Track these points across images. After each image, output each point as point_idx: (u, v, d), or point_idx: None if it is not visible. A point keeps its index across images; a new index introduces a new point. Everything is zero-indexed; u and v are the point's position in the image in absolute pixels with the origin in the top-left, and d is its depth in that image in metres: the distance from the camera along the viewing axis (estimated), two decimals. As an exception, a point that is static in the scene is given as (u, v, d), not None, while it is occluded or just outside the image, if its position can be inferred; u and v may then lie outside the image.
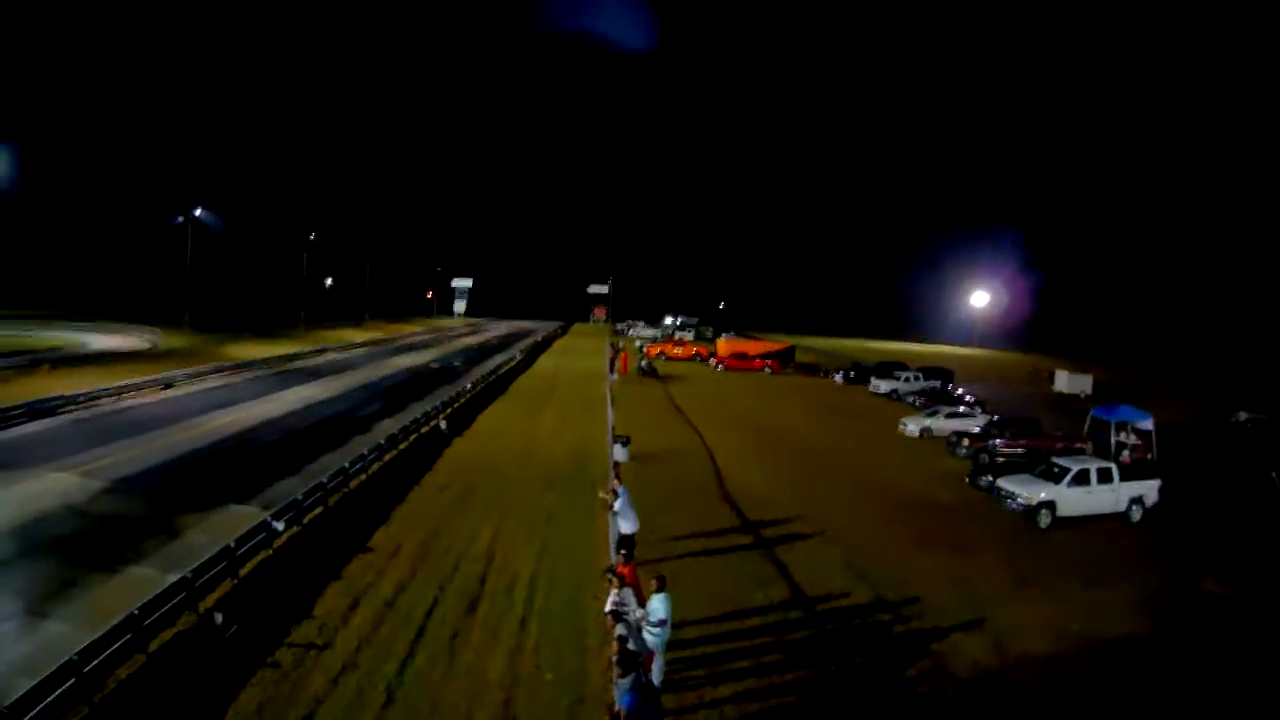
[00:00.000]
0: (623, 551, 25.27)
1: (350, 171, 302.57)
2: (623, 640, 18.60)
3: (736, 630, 25.26)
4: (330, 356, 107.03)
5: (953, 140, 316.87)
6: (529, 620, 25.23)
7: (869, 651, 24.57)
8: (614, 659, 18.17)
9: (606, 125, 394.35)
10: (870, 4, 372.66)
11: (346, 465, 39.98)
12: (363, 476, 41.64)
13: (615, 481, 31.17)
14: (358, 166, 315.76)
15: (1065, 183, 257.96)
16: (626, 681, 17.09)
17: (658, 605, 20.25)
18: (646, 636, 20.23)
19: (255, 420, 56.58)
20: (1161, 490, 42.29)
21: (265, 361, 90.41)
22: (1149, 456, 54.28)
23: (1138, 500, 41.47)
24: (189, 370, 75.98)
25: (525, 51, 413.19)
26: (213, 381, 74.32)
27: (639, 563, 26.10)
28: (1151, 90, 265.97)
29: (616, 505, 29.06)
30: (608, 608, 21.24)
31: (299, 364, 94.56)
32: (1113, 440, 55.07)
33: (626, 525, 28.50)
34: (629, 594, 21.43)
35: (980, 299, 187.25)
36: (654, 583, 20.86)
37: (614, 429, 52.47)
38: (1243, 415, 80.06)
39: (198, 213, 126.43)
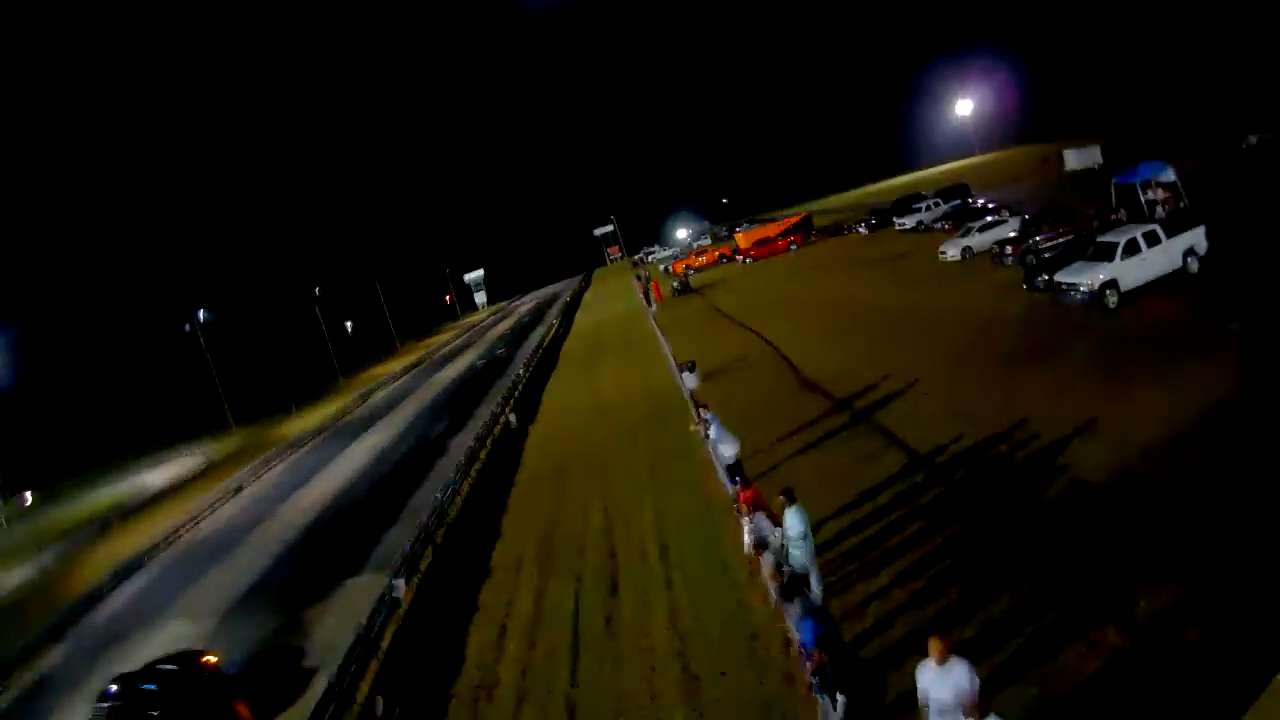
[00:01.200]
0: (737, 479, 24.97)
1: (336, 200, 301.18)
2: (777, 569, 18.36)
3: (870, 512, 25.01)
4: (379, 396, 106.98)
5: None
6: (672, 579, 25.15)
7: (1002, 487, 24.34)
8: (776, 589, 17.93)
9: (560, 59, 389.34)
10: None
11: (439, 496, 40.01)
12: (458, 500, 41.62)
13: (702, 410, 31.13)
14: (341, 192, 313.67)
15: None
16: (796, 608, 16.87)
17: (793, 520, 19.91)
18: (793, 553, 19.97)
19: (335, 487, 56.80)
20: (1208, 235, 41.53)
21: (320, 428, 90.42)
22: (1182, 205, 53.09)
23: (1190, 252, 40.94)
24: (251, 466, 75.66)
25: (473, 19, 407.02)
26: (278, 468, 74.29)
27: (754, 479, 25.90)
28: None
29: (711, 433, 28.98)
30: (745, 538, 21.01)
31: (353, 416, 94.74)
32: (1143, 200, 54.13)
33: (728, 450, 28.12)
34: (761, 518, 21.19)
35: (966, 106, 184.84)
36: (781, 499, 20.45)
37: (675, 359, 52.07)
38: (1253, 138, 79.01)
39: (201, 314, 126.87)
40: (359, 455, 65.50)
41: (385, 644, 27.52)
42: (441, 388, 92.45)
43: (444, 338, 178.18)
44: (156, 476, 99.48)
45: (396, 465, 57.57)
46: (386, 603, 29.08)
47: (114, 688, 27.38)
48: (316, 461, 69.39)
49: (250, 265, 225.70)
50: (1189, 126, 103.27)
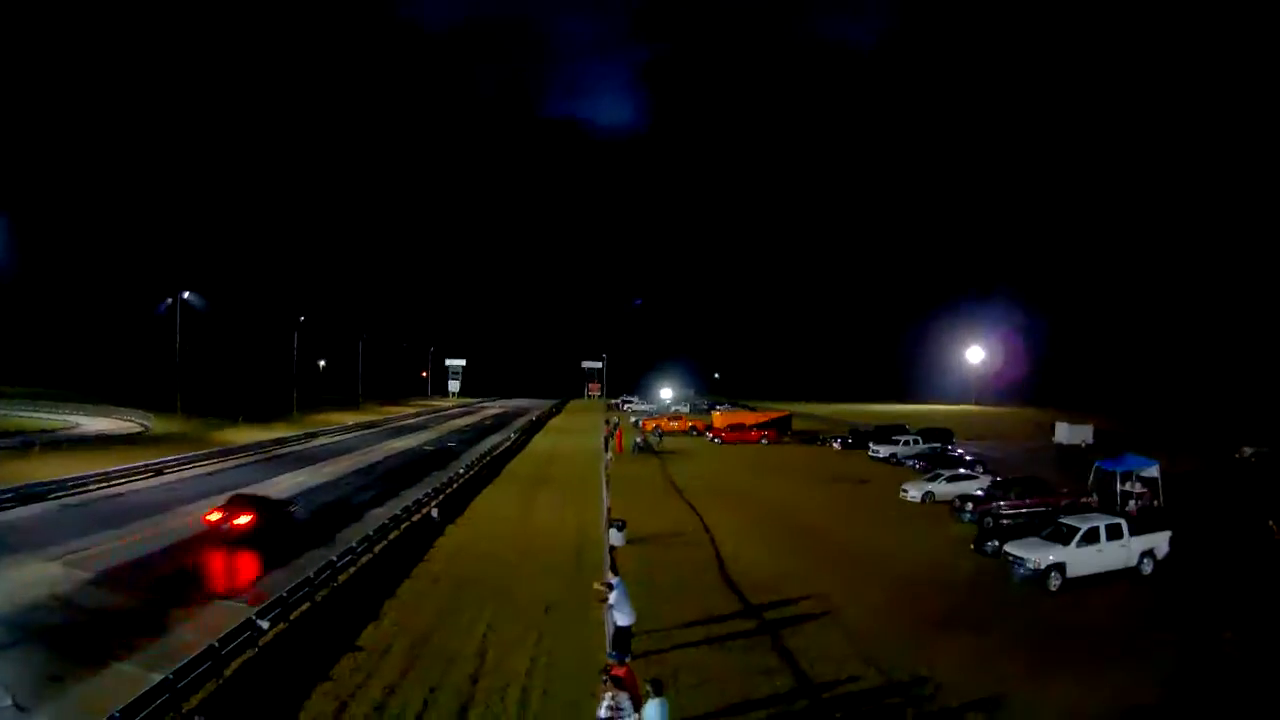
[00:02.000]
0: (614, 652, 24.30)
1: (342, 253, 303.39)
2: None
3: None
4: (322, 441, 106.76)
5: (943, 201, 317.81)
6: (523, 725, 23.99)
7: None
8: None
9: (600, 201, 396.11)
10: (857, 81, 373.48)
11: (334, 559, 38.93)
12: (351, 570, 40.49)
13: (609, 574, 30.33)
14: (350, 248, 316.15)
15: (1056, 235, 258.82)
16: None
17: (652, 713, 19.21)
18: None
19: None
20: (1172, 541, 41.75)
21: (258, 447, 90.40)
22: (1156, 504, 53.76)
23: (1149, 554, 40.99)
24: (180, 456, 75.71)
25: (518, 135, 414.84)
26: (204, 468, 74.12)
27: (638, 655, 25.44)
28: (1137, 144, 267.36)
29: (612, 598, 27.82)
30: (600, 712, 20.25)
31: (291, 449, 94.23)
32: (1119, 490, 54.69)
33: (622, 618, 27.30)
34: (624, 698, 20.30)
35: (976, 355, 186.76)
36: (648, 687, 19.80)
37: (609, 513, 50.96)
38: (1248, 450, 79.72)
39: (186, 295, 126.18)
40: (280, 488, 64.15)
41: (229, 671, 26.48)
42: (383, 456, 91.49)
43: (405, 411, 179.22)
44: (93, 424, 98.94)
45: (310, 513, 56.18)
46: (246, 634, 28.14)
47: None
48: (239, 479, 68.12)
49: (251, 273, 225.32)
50: (1190, 425, 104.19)
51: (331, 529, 50.44)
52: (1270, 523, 46.62)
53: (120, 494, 58.61)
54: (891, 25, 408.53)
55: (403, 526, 50.69)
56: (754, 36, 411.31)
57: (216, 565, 42.62)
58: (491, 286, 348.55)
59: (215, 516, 47.27)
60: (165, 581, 37.75)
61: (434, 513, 54.27)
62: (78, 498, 55.83)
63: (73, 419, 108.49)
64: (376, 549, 44.77)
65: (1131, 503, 53.72)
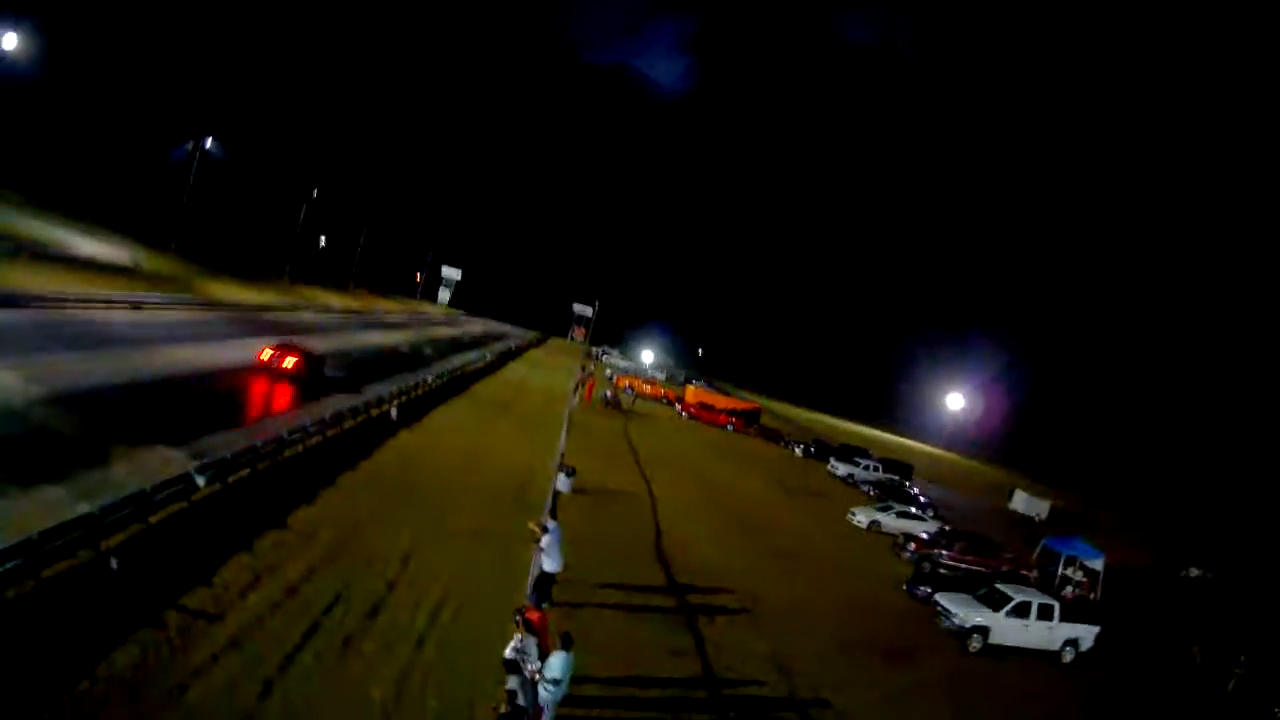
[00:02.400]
0: (534, 595, 24.38)
1: (366, 138, 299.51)
2: (512, 695, 17.79)
3: (636, 698, 24.36)
4: (304, 316, 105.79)
5: (951, 242, 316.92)
6: (426, 641, 24.01)
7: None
8: (498, 711, 17.40)
9: (623, 155, 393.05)
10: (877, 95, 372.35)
11: (284, 434, 38.75)
12: (299, 448, 40.21)
13: (547, 517, 30.40)
14: (374, 136, 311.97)
15: (1059, 296, 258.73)
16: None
17: (556, 664, 19.36)
18: (540, 691, 19.32)
19: (211, 365, 55.00)
20: (1099, 638, 41.56)
21: (242, 307, 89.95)
22: (1092, 596, 54.05)
23: (1073, 643, 40.88)
24: (164, 297, 75.15)
25: (559, 73, 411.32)
26: (182, 314, 73.46)
27: (556, 604, 25.62)
28: (1138, 201, 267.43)
29: (543, 541, 28.03)
30: (506, 653, 20.31)
31: (271, 316, 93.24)
32: (1059, 573, 54.94)
33: (550, 564, 27.64)
34: (531, 643, 20.28)
35: (956, 401, 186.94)
36: (558, 639, 20.03)
37: (562, 457, 51.33)
38: (1194, 571, 79.67)
39: (208, 143, 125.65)
40: (249, 353, 61.80)
41: (155, 519, 26.38)
42: (358, 346, 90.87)
43: (392, 307, 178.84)
44: (85, 246, 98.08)
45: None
46: (179, 486, 28.05)
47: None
48: (214, 333, 67.71)
49: (273, 135, 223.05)
50: (1147, 524, 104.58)
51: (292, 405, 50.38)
52: (1194, 647, 46.85)
53: (95, 320, 57.43)
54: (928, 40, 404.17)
55: (358, 419, 50.29)
56: (791, 27, 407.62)
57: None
58: (501, 208, 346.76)
59: (267, 355, 57.57)
60: (115, 415, 37.41)
61: (393, 412, 54.20)
62: (53, 315, 54.46)
63: (67, 236, 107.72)
64: (329, 433, 44.51)
65: (1069, 588, 54.06)
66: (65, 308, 57.46)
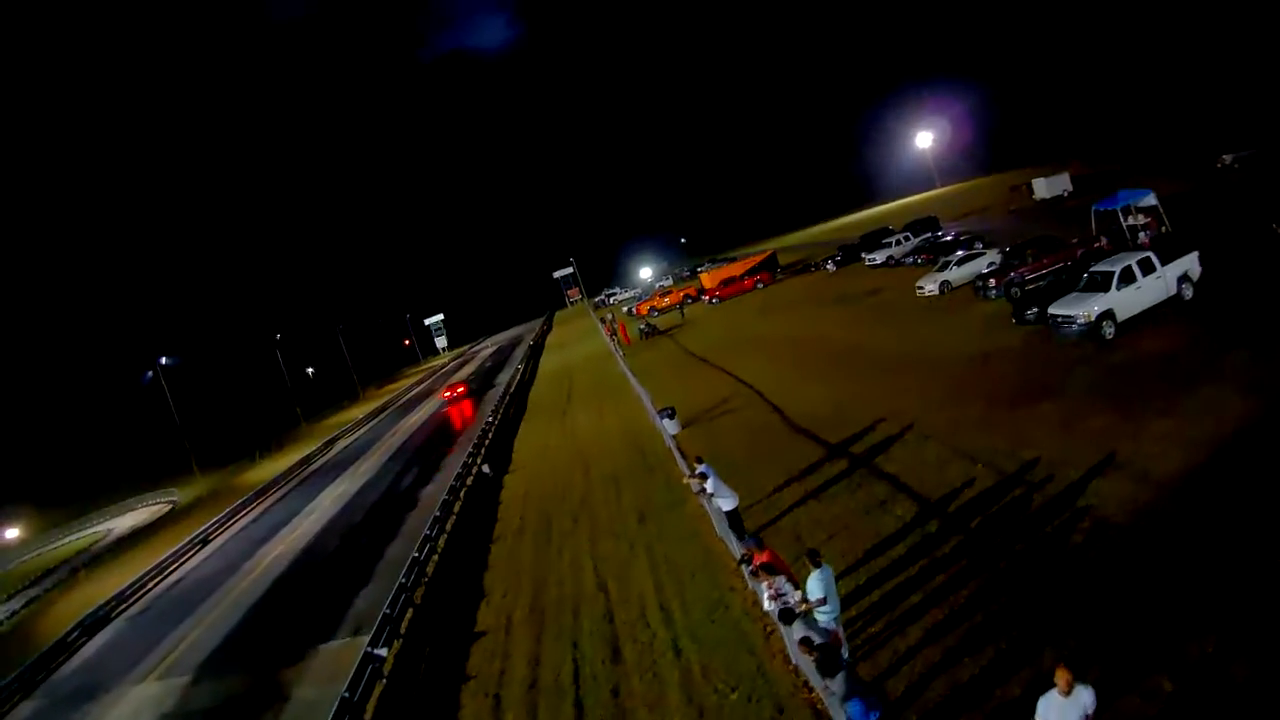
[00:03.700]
0: (749, 538, 23.54)
1: (296, 246, 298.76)
2: (808, 643, 16.86)
3: (888, 565, 23.66)
4: (342, 444, 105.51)
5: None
6: (680, 645, 23.46)
7: (1024, 533, 22.98)
8: (812, 664, 16.56)
9: (504, 120, 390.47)
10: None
11: (416, 554, 38.28)
12: (435, 558, 39.94)
13: (697, 463, 29.38)
14: (298, 248, 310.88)
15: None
16: (839, 684, 15.46)
17: (814, 585, 18.66)
18: (820, 619, 18.64)
19: (304, 540, 55.28)
20: (1201, 259, 40.40)
21: (286, 476, 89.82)
22: (1165, 230, 52.50)
23: (1184, 278, 39.79)
24: (218, 517, 73.94)
25: (408, 80, 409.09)
26: (245, 518, 73.23)
27: (755, 534, 24.73)
28: None
29: (709, 485, 27.54)
30: (766, 605, 19.50)
31: (317, 463, 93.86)
32: (1125, 226, 53.64)
33: (727, 502, 26.98)
34: (782, 581, 19.60)
35: (925, 140, 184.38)
36: (806, 562, 19.31)
37: (652, 404, 50.57)
38: (1228, 158, 78.35)
39: (163, 360, 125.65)
40: (326, 506, 63.92)
41: (369, 714, 25.88)
42: (408, 435, 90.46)
43: (406, 383, 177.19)
44: (124, 522, 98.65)
45: (366, 517, 56.07)
46: (369, 668, 27.51)
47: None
48: (284, 513, 68.00)
49: (213, 311, 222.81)
50: (1160, 149, 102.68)
51: (396, 522, 50.32)
52: (1274, 225, 44.69)
53: (179, 580, 57.08)
54: None
55: (461, 494, 50.10)
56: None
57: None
58: (444, 231, 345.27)
59: (447, 394, 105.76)
60: (264, 645, 37.17)
61: (485, 469, 53.72)
62: (140, 603, 53.86)
63: (103, 525, 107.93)
64: (448, 526, 44.43)
65: (1142, 234, 52.43)
66: (146, 589, 57.13)
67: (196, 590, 51.66)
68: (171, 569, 60.76)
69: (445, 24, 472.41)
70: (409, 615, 33.41)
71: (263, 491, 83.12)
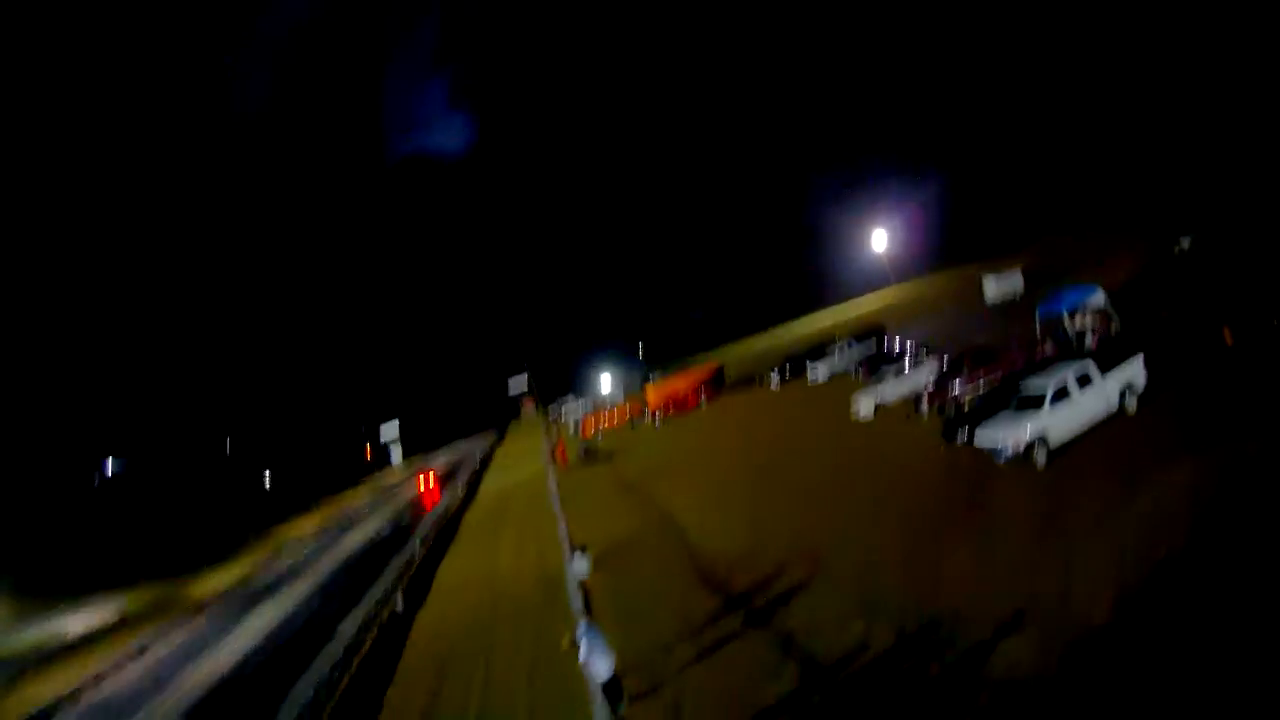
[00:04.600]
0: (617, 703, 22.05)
1: (254, 349, 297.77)
2: None
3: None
4: (284, 561, 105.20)
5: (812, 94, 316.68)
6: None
7: (918, 706, 21.53)
8: None
9: (469, 226, 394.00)
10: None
11: (313, 694, 37.83)
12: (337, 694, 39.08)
13: (581, 622, 27.95)
14: (257, 342, 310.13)
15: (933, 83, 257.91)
16: None
17: None
18: None
19: (225, 666, 55.75)
20: (1146, 364, 38.39)
21: (223, 596, 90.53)
22: (1113, 329, 51.30)
23: (1127, 389, 37.63)
24: (157, 627, 77.94)
25: (368, 183, 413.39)
26: (179, 635, 73.91)
27: (637, 697, 24.95)
28: None
29: (582, 652, 25.94)
30: None
31: (257, 582, 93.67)
32: (1071, 331, 52.38)
33: (603, 669, 25.51)
34: None
35: (880, 239, 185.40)
36: None
37: (570, 539, 49.98)
38: (1185, 242, 77.35)
39: (109, 464, 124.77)
40: (252, 630, 63.89)
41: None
42: (343, 558, 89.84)
43: (357, 498, 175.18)
44: (74, 624, 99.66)
45: (284, 645, 56.16)
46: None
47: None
48: (214, 632, 68.85)
49: (163, 414, 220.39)
50: (1117, 233, 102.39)
51: (309, 656, 48.87)
52: (1224, 329, 42.09)
53: (112, 693, 59.19)
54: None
55: (373, 633, 48.83)
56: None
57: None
58: (402, 340, 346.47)
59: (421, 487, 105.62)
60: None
61: (399, 605, 52.71)
62: (76, 708, 57.45)
63: (55, 625, 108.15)
64: (354, 667, 43.11)
65: (1089, 337, 51.35)
66: (82, 695, 61.04)
67: (124, 706, 53.94)
68: (108, 677, 64.34)
69: (407, 128, 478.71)
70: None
71: (202, 608, 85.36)
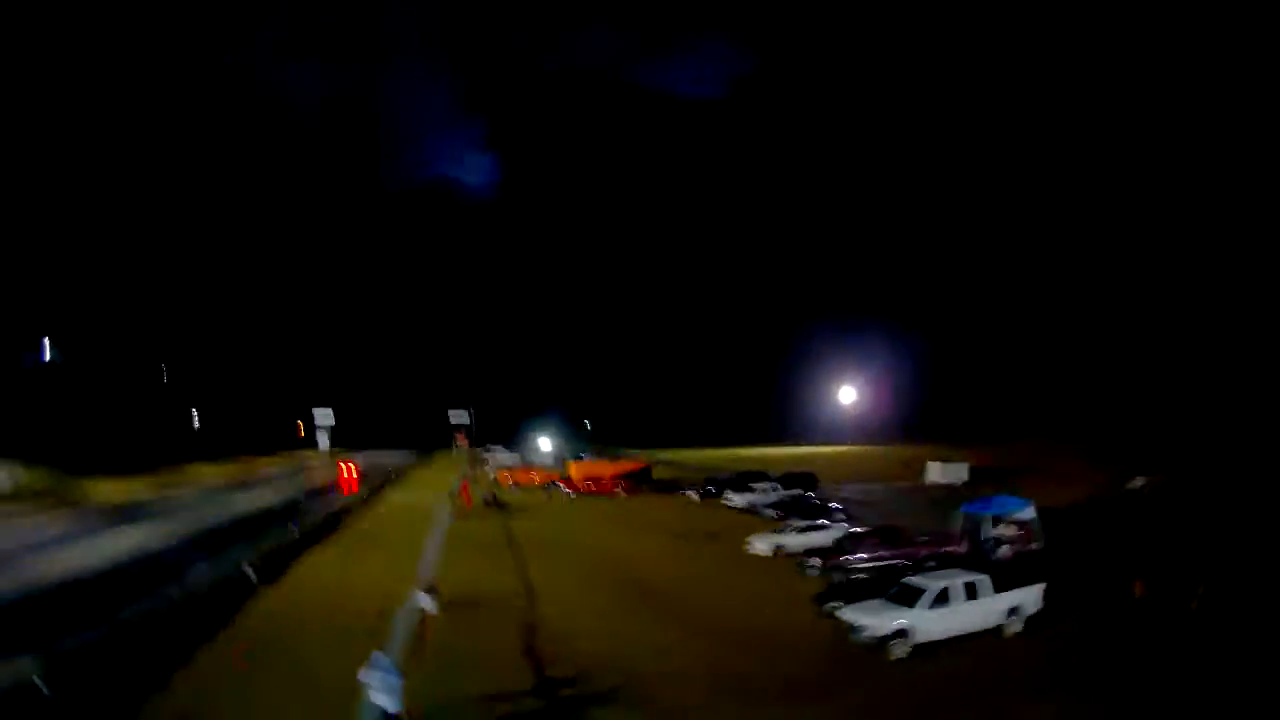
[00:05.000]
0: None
1: (222, 309, 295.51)
2: None
3: None
4: (176, 493, 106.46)
5: (810, 233, 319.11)
6: None
7: None
8: None
9: (458, 262, 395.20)
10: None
11: (131, 620, 38.37)
12: (157, 634, 38.22)
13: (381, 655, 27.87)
14: (228, 304, 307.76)
15: (927, 262, 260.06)
16: None
17: None
18: None
19: (75, 567, 55.58)
20: (1047, 594, 38.31)
21: (107, 507, 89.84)
22: (1034, 547, 51.66)
23: (1016, 610, 37.35)
24: (23, 507, 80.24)
25: (378, 202, 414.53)
26: (47, 526, 74.36)
27: None
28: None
29: (373, 681, 26.10)
30: None
31: (145, 505, 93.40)
32: (990, 536, 52.43)
33: (389, 704, 25.76)
34: None
35: (848, 395, 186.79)
36: None
37: (427, 579, 48.89)
38: (1139, 481, 77.86)
39: (45, 347, 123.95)
40: (118, 546, 63.56)
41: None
42: (230, 513, 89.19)
43: (270, 465, 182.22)
44: None
45: (137, 569, 55.38)
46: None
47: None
48: (76, 533, 69.46)
49: (113, 321, 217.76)
50: (1080, 455, 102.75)
51: (153, 586, 46.54)
52: (1136, 582, 40.89)
53: None
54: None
55: (217, 589, 48.06)
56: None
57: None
58: (362, 340, 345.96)
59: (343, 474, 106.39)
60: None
61: (251, 574, 51.92)
62: None
63: None
64: (187, 611, 42.55)
65: (1004, 548, 51.49)
66: None
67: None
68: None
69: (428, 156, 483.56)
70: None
71: (78, 507, 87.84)
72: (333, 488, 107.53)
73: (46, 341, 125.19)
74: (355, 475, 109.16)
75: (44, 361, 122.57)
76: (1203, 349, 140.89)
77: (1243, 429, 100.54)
